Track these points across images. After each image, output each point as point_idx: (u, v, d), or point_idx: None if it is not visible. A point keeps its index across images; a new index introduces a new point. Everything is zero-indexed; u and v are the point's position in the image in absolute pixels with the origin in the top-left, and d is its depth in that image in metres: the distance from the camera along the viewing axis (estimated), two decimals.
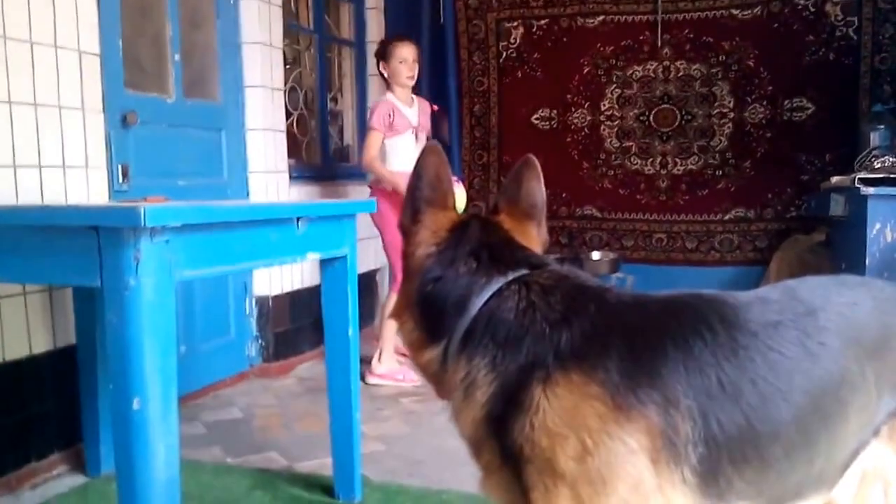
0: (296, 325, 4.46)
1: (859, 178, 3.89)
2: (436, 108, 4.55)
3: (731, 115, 5.12)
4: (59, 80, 2.92)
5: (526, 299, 1.26)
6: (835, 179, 4.29)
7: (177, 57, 3.67)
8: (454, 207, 1.42)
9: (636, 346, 1.19)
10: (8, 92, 2.72)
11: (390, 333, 4.06)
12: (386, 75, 4.26)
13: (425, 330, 1.33)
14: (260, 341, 4.27)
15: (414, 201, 1.40)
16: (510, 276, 1.29)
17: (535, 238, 1.45)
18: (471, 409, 1.25)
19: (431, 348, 1.32)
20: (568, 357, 1.18)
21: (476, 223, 1.39)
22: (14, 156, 2.75)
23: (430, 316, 1.32)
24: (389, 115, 4.08)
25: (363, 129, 5.48)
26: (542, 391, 1.16)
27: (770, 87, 5.04)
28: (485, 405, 1.23)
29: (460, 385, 1.26)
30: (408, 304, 1.37)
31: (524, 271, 1.30)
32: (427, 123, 4.35)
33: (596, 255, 5.26)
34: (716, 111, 5.14)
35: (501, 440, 1.20)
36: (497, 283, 1.28)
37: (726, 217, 5.18)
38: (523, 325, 1.23)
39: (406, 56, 4.16)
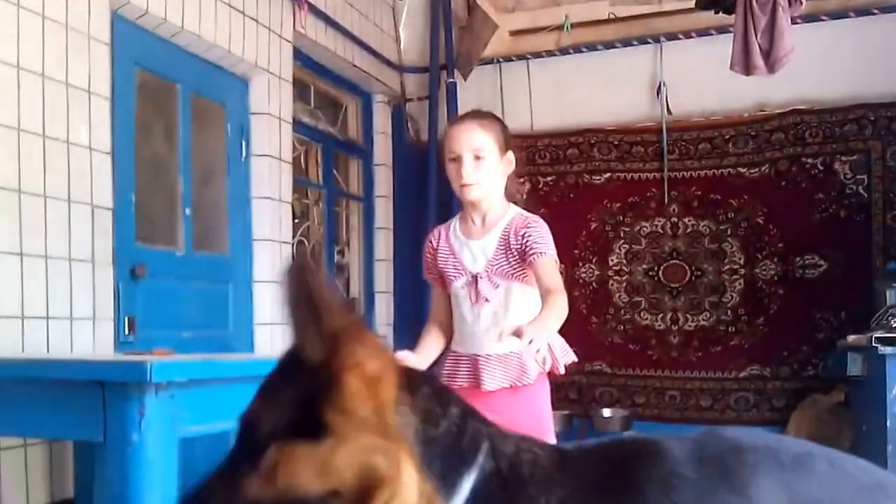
0: None
1: (877, 338, 3.94)
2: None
3: (742, 271, 5.24)
4: (71, 233, 3.08)
5: None
6: (851, 338, 4.34)
7: (187, 211, 3.86)
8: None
9: None
10: (20, 244, 2.87)
11: None
12: None
13: None
14: None
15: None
16: None
17: None
18: None
19: None
20: None
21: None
22: (22, 307, 2.87)
23: None
24: (430, 253, 2.75)
25: (369, 282, 5.63)
26: None
27: (781, 244, 5.16)
28: None
29: None
30: None
31: None
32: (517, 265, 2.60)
33: (607, 412, 5.29)
34: (726, 267, 5.27)
35: None
36: None
37: (741, 375, 5.21)
38: None
39: (455, 148, 2.58)
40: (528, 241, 2.51)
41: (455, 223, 2.72)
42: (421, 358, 2.56)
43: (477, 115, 2.70)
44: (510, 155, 2.63)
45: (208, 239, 4.06)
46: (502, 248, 2.59)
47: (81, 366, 2.10)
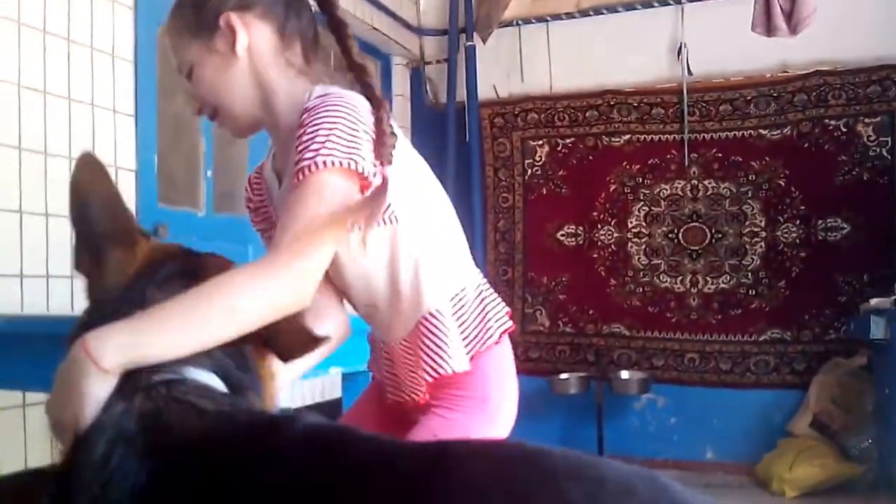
0: None
1: None
2: None
3: (763, 234, 5.28)
4: None
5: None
6: (874, 301, 4.38)
7: (209, 173, 3.95)
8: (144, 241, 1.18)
9: None
10: (45, 205, 2.97)
11: None
12: None
13: None
14: None
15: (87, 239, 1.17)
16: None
17: None
18: None
19: None
20: None
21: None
22: (47, 267, 2.98)
23: None
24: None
25: None
26: None
27: (803, 207, 5.19)
28: None
29: None
30: None
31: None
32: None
33: (625, 374, 5.37)
34: (747, 230, 5.31)
35: None
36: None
37: (761, 338, 5.26)
38: None
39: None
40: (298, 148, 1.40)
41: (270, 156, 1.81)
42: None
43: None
44: (228, 20, 1.54)
45: (229, 200, 4.14)
46: None
47: None
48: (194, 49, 1.57)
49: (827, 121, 5.14)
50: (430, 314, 1.59)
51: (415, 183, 1.60)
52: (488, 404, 1.66)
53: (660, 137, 5.48)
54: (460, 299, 1.63)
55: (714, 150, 5.37)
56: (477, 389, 1.64)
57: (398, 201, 1.52)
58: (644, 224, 5.51)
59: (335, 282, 1.65)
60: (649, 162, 5.49)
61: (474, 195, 5.69)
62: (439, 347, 1.59)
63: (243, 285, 1.18)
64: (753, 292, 5.29)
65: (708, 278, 5.39)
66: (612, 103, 5.55)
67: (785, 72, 5.20)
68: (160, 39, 1.45)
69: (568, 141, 5.67)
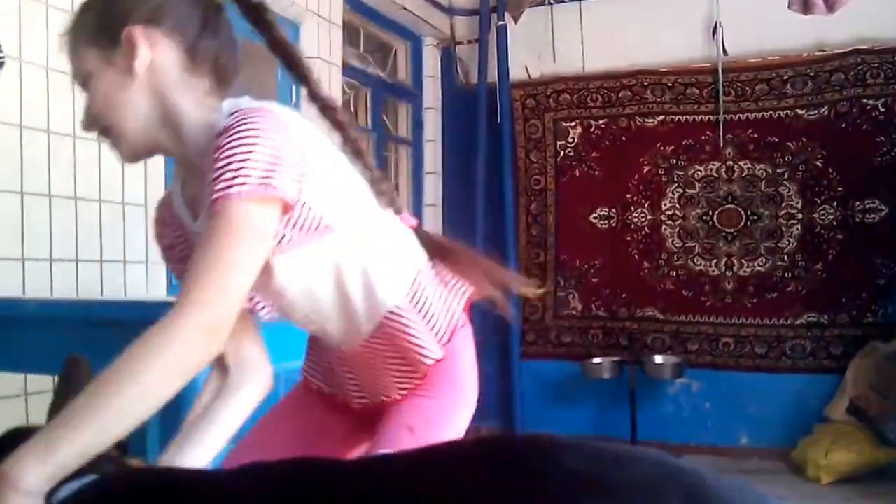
0: None
1: None
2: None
3: (800, 216, 5.21)
4: (125, 177, 3.18)
5: None
6: None
7: None
8: None
9: None
10: (74, 189, 2.99)
11: None
12: None
13: None
14: None
15: None
16: None
17: None
18: None
19: None
20: None
21: None
22: (77, 251, 3.00)
23: None
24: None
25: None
26: None
27: (840, 188, 5.12)
28: None
29: None
30: None
31: None
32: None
33: (658, 358, 5.33)
34: (783, 212, 5.24)
35: None
36: None
37: (798, 322, 5.20)
38: None
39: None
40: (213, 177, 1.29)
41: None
42: None
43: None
44: (130, 35, 1.42)
45: None
46: None
47: (135, 307, 2.18)
48: (92, 59, 1.45)
49: (865, 100, 5.06)
50: (391, 313, 1.52)
51: (344, 183, 1.49)
52: (462, 387, 1.61)
53: (694, 118, 5.42)
54: (416, 289, 1.55)
55: (750, 131, 5.30)
56: (449, 374, 1.58)
57: (328, 209, 1.42)
58: (678, 206, 5.46)
59: (276, 307, 1.53)
60: (683, 143, 5.43)
61: (505, 177, 5.65)
62: (410, 343, 1.52)
63: (152, 363, 1.12)
64: (789, 275, 5.23)
65: (743, 261, 5.33)
66: (645, 84, 5.49)
67: (822, 51, 5.11)
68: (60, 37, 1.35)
69: (601, 122, 5.62)
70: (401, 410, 1.57)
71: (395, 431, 1.54)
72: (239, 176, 1.25)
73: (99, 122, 1.48)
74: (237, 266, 1.24)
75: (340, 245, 1.46)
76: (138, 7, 1.43)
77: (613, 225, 5.59)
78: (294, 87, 4.32)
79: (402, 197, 5.75)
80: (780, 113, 5.24)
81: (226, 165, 1.26)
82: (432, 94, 5.86)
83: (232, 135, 1.28)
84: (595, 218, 5.63)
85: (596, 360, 5.40)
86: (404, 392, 1.58)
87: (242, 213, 1.26)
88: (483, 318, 5.68)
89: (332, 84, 4.54)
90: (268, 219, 1.30)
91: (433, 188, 5.85)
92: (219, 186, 1.25)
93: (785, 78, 5.20)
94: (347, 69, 4.84)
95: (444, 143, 5.92)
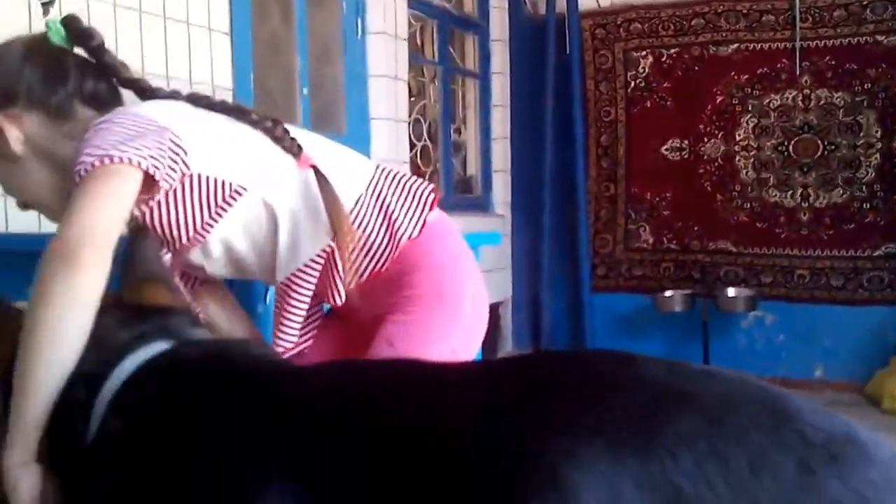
0: None
1: None
2: None
3: (879, 145, 5.07)
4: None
5: None
6: None
7: (305, 90, 3.99)
8: None
9: None
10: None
11: None
12: None
13: None
14: None
15: None
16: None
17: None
18: None
19: None
20: None
21: None
22: None
23: None
24: None
25: (486, 160, 5.72)
26: None
27: None
28: None
29: None
30: None
31: None
32: None
33: (731, 291, 5.29)
34: (861, 141, 5.11)
35: None
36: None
37: (875, 253, 5.11)
38: None
39: None
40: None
41: None
42: None
43: None
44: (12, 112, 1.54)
45: (326, 118, 4.19)
46: None
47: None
48: None
49: None
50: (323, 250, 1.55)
51: (235, 145, 1.56)
52: (444, 297, 1.61)
53: (770, 46, 5.28)
54: (357, 214, 1.58)
55: (827, 58, 5.15)
56: (423, 283, 1.60)
57: (228, 173, 1.49)
58: (752, 136, 5.36)
59: (199, 279, 1.67)
60: (758, 71, 5.31)
61: (575, 109, 5.59)
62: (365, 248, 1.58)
63: (42, 307, 1.18)
64: (868, 206, 5.12)
65: (819, 192, 5.22)
66: (719, 11, 5.36)
67: None
68: None
69: (672, 51, 5.51)
70: (385, 324, 1.60)
71: (375, 346, 1.58)
72: (87, 156, 1.35)
73: (21, 201, 1.64)
74: (81, 212, 1.29)
75: (254, 203, 1.52)
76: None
77: (686, 157, 5.51)
78: (358, 21, 4.32)
79: (469, 130, 5.74)
80: (859, 39, 5.08)
81: (81, 150, 1.37)
82: (499, 25, 5.79)
83: (90, 134, 1.41)
84: (667, 150, 5.55)
85: (668, 293, 5.38)
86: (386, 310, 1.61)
87: (89, 181, 1.33)
88: (552, 252, 5.70)
89: (398, 16, 4.53)
90: (116, 184, 1.35)
91: (501, 122, 5.82)
92: (76, 168, 1.35)
93: (864, 3, 5.03)
94: (413, 1, 4.81)
95: (511, 75, 5.86)
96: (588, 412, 0.79)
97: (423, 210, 1.62)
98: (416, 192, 1.64)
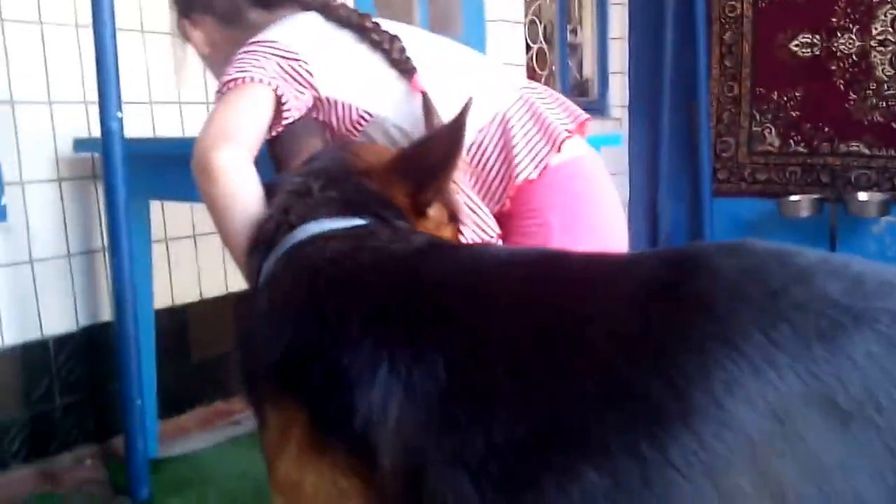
0: None
1: None
2: None
3: None
4: None
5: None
6: None
7: None
8: None
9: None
10: None
11: None
12: None
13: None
14: None
15: None
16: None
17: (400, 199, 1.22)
18: None
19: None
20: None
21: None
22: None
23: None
24: None
25: (603, 61, 5.57)
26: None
27: None
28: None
29: None
30: None
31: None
32: None
33: (863, 195, 5.06)
34: None
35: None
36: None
37: None
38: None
39: None
40: None
41: None
42: None
43: None
44: (184, 28, 1.80)
45: (443, 21, 4.14)
46: None
47: None
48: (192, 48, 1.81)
49: None
50: None
51: (361, 70, 1.58)
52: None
53: None
54: (475, 145, 1.58)
55: None
56: (542, 230, 1.58)
57: (355, 97, 1.54)
58: (890, 30, 5.05)
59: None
60: None
61: (697, 4, 5.35)
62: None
63: (218, 223, 1.36)
64: None
65: None
66: None
67: None
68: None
69: None
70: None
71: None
72: (226, 76, 1.47)
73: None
74: (214, 120, 1.41)
75: (378, 129, 1.57)
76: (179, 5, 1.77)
77: (817, 53, 5.24)
78: None
79: (585, 30, 5.57)
80: None
81: (221, 79, 1.49)
82: None
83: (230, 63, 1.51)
84: (796, 45, 5.28)
85: (794, 197, 5.19)
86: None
87: (226, 95, 1.44)
88: (671, 156, 5.55)
89: None
90: (251, 97, 1.44)
91: (619, 20, 5.63)
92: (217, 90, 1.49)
93: None
94: None
95: None
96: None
97: (548, 151, 1.56)
98: (548, 128, 1.58)
